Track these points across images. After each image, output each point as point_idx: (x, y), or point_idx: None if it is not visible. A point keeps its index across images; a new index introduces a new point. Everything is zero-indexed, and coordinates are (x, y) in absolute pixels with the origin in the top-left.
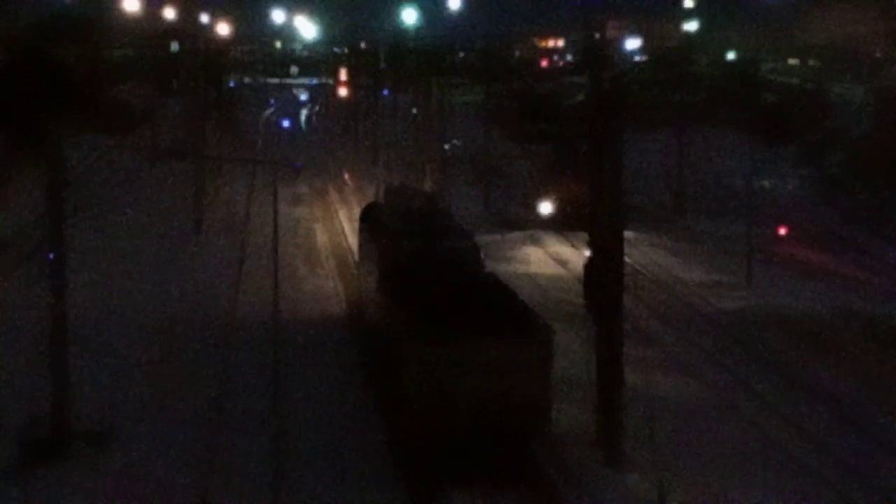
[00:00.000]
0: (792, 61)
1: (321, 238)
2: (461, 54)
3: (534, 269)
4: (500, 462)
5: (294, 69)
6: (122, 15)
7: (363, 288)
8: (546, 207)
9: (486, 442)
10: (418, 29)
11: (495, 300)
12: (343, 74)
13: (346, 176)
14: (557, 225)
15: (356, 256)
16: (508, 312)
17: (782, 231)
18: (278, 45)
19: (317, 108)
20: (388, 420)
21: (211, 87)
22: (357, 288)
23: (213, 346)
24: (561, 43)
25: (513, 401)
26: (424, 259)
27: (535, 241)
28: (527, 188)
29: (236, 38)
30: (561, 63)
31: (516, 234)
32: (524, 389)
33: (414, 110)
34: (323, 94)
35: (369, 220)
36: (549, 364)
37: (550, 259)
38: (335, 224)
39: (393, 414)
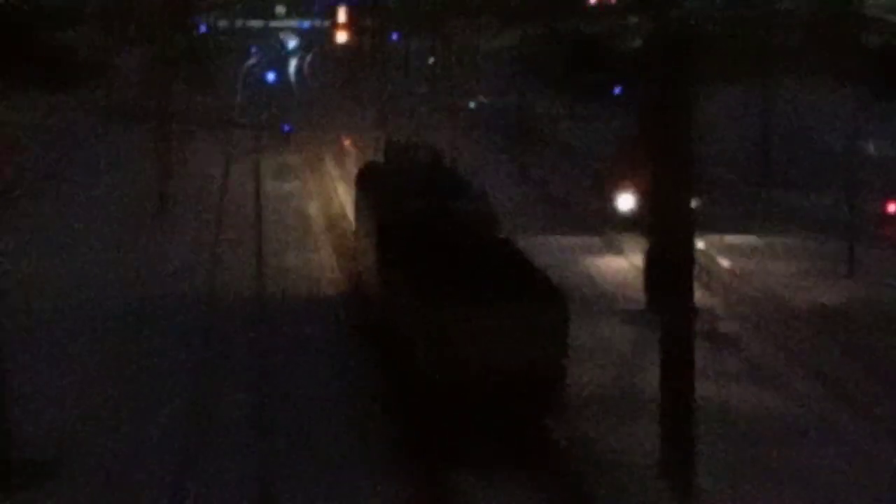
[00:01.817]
0: None
1: (316, 221)
2: None
3: None
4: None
5: (281, 9)
6: None
7: (360, 256)
8: (627, 201)
9: (498, 416)
10: None
11: (507, 265)
12: (342, 15)
13: (348, 142)
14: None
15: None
16: (520, 277)
17: (892, 207)
18: None
19: (309, 57)
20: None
21: (177, 33)
22: (354, 258)
23: (181, 347)
24: None
25: (525, 371)
26: (428, 221)
27: (623, 254)
28: (589, 165)
29: None
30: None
31: (582, 240)
32: (536, 359)
33: (431, 59)
34: (317, 40)
35: (367, 181)
36: (564, 332)
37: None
38: (333, 203)
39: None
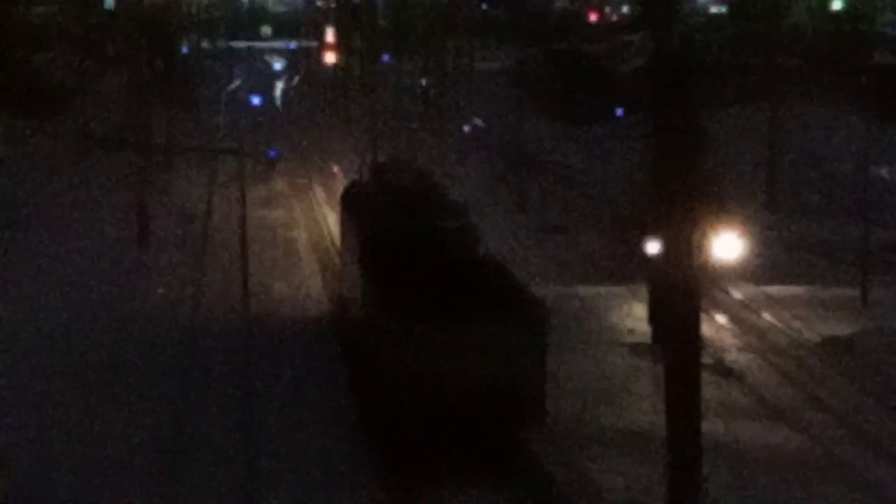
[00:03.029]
0: None
1: (304, 252)
2: (484, 6)
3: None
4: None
5: (266, 30)
6: None
7: (344, 276)
8: (656, 246)
9: (474, 432)
10: None
11: (488, 280)
12: (330, 35)
13: (337, 169)
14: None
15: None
16: (500, 292)
17: None
18: None
19: (296, 79)
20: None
21: (158, 55)
22: (339, 279)
23: (160, 401)
24: None
25: (502, 386)
26: (412, 238)
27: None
28: (592, 191)
29: None
30: (614, 17)
31: (603, 290)
32: (514, 374)
33: (423, 81)
34: (304, 62)
35: (352, 199)
36: (543, 347)
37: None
38: (322, 232)
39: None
